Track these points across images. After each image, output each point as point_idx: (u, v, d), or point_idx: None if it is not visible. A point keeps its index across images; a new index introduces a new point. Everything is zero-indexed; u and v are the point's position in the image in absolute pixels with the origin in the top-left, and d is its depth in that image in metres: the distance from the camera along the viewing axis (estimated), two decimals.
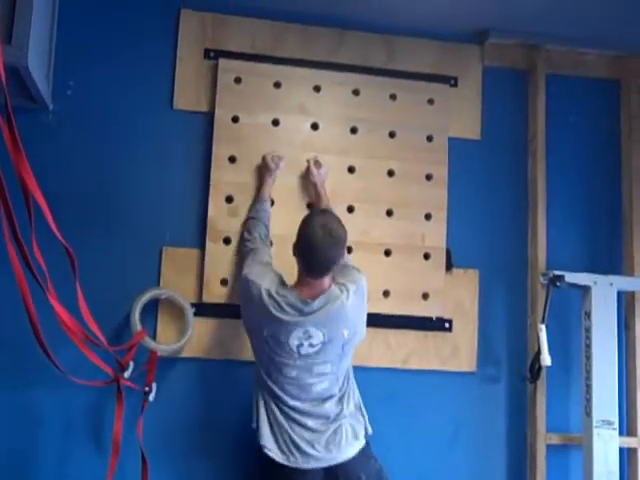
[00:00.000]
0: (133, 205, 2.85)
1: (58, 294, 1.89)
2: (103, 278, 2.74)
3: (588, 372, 2.94)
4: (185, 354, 2.78)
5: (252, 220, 2.78)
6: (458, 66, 3.17)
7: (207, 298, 2.81)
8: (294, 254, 2.43)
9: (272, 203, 2.87)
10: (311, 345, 2.39)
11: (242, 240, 2.79)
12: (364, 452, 2.49)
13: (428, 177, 3.06)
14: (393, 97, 3.07)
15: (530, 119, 3.20)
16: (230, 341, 2.81)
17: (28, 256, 1.72)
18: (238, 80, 2.95)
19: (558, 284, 2.97)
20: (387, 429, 2.76)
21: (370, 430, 2.55)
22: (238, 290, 2.70)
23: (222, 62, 2.94)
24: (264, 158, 2.88)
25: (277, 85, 2.99)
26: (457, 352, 3.01)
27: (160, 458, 2.68)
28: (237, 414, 2.75)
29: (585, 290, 3.00)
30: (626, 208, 3.21)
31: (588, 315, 2.97)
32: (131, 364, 2.54)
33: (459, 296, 3.05)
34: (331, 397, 2.48)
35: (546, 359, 2.88)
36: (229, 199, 2.88)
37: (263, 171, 2.88)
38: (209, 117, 2.93)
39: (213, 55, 2.96)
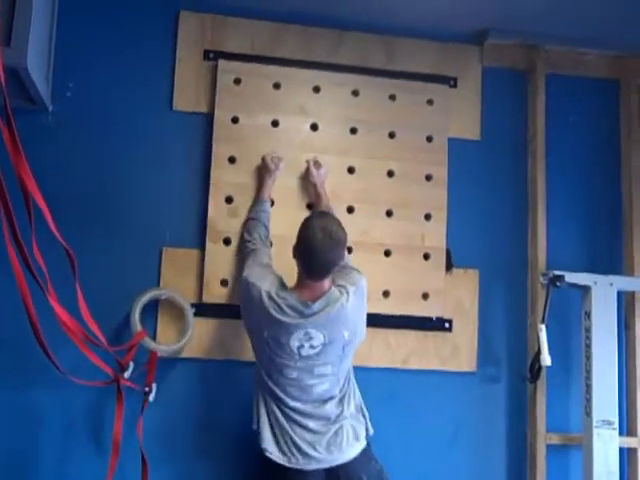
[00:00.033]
0: (133, 206, 2.86)
1: (58, 295, 1.90)
2: (103, 278, 2.74)
3: (588, 372, 2.94)
4: (185, 354, 2.78)
5: (252, 221, 2.78)
6: (458, 66, 3.18)
7: (207, 298, 2.82)
8: (294, 256, 2.43)
9: (272, 204, 2.87)
10: (312, 347, 2.40)
11: (242, 241, 2.79)
12: (365, 453, 2.49)
13: (428, 177, 3.06)
14: (392, 98, 3.08)
15: (530, 119, 3.21)
16: (230, 341, 2.81)
17: (28, 257, 1.72)
18: (237, 81, 2.95)
19: (558, 284, 2.97)
20: (387, 429, 2.76)
21: (371, 431, 2.55)
22: (238, 290, 2.72)
23: (221, 63, 2.94)
24: (264, 159, 2.88)
25: (276, 86, 2.99)
26: (457, 352, 3.01)
27: (160, 459, 2.69)
28: (237, 414, 2.75)
29: (585, 290, 3.01)
30: (626, 208, 3.21)
31: (588, 315, 2.97)
32: (131, 364, 2.54)
33: (459, 296, 3.05)
34: (332, 398, 2.48)
35: (546, 359, 2.88)
36: (229, 199, 2.88)
37: (263, 172, 2.89)
38: (209, 118, 2.93)
39: (212, 56, 2.96)
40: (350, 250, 2.86)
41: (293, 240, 2.42)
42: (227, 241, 2.86)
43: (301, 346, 2.39)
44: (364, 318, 2.54)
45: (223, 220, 2.87)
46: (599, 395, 2.91)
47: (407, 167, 3.04)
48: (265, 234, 2.75)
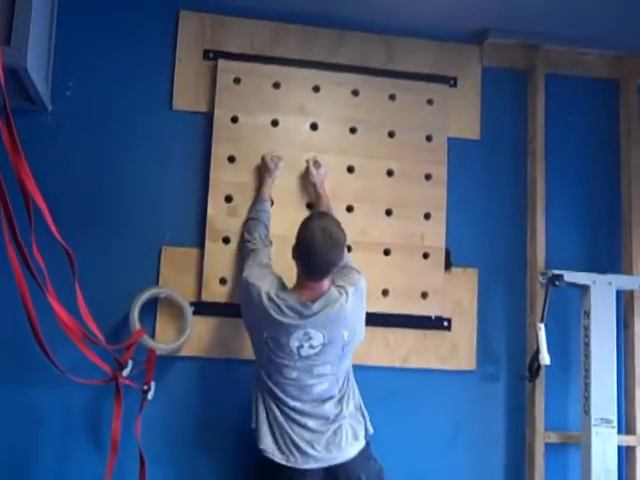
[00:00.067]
0: (133, 205, 2.86)
1: (57, 294, 1.90)
2: (103, 277, 2.75)
3: (587, 371, 2.94)
4: (184, 353, 2.79)
5: (252, 221, 2.79)
6: (457, 66, 3.18)
7: (206, 297, 2.82)
8: (293, 257, 2.43)
9: (271, 203, 2.87)
10: (311, 347, 2.40)
11: (242, 241, 2.80)
12: (364, 453, 2.49)
13: (427, 177, 3.06)
14: (392, 97, 3.08)
15: (529, 119, 3.21)
16: (229, 340, 2.82)
17: (27, 257, 1.73)
18: (237, 80, 2.95)
19: (557, 283, 2.97)
20: (386, 428, 2.76)
21: (371, 430, 2.56)
22: (238, 289, 2.73)
23: (221, 63, 2.95)
24: (263, 158, 2.89)
25: (276, 85, 3.00)
26: (456, 351, 3.02)
27: (159, 457, 2.70)
28: (236, 413, 2.76)
29: (584, 289, 3.01)
30: (625, 207, 3.22)
31: (587, 314, 2.98)
32: (130, 363, 2.55)
33: (458, 295, 3.06)
34: (331, 398, 2.48)
35: (545, 358, 2.88)
36: (228, 199, 2.89)
37: (262, 171, 2.89)
38: (208, 117, 2.94)
39: (212, 56, 2.96)
40: (350, 249, 2.86)
41: (293, 240, 2.42)
42: (226, 240, 2.86)
43: (301, 346, 2.39)
44: (363, 318, 2.55)
45: (222, 219, 2.87)
46: (598, 394, 2.91)
47: (407, 166, 3.05)
48: (265, 234, 2.75)
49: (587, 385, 2.93)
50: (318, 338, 2.39)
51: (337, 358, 2.45)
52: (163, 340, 2.75)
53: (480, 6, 2.97)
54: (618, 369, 2.99)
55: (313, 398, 2.46)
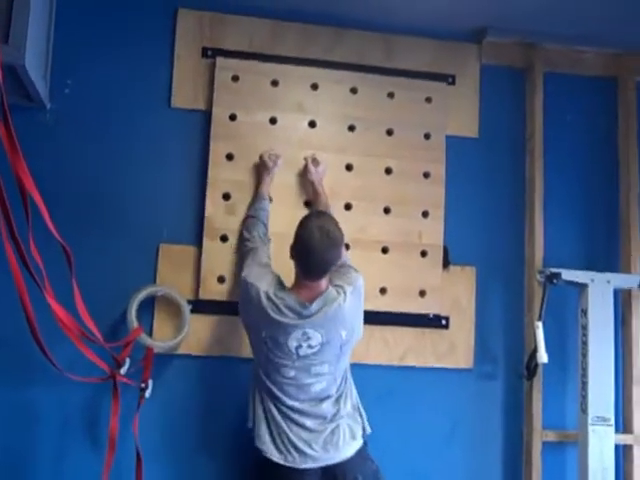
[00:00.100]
0: (130, 202, 2.86)
1: (55, 291, 1.90)
2: (100, 275, 2.74)
3: (584, 369, 2.95)
4: (181, 351, 2.79)
5: (251, 219, 2.78)
6: (456, 64, 3.18)
7: (204, 295, 2.82)
8: (291, 257, 2.43)
9: (270, 201, 2.87)
10: (310, 346, 2.40)
11: (241, 239, 2.79)
12: (361, 454, 2.49)
13: (425, 175, 3.06)
14: (391, 95, 3.08)
15: (528, 117, 3.21)
16: (226, 338, 2.82)
17: (25, 254, 1.73)
18: (235, 78, 2.95)
19: (555, 281, 2.98)
20: (384, 426, 2.76)
21: (369, 430, 2.56)
22: (235, 287, 2.74)
23: (219, 60, 2.95)
24: (261, 157, 2.88)
25: (274, 83, 2.99)
26: (454, 349, 3.02)
27: (156, 455, 2.70)
28: (234, 411, 2.75)
29: (582, 287, 3.02)
30: (623, 206, 3.22)
31: (585, 312, 2.98)
32: (127, 361, 2.55)
33: (456, 293, 3.06)
34: (328, 397, 2.48)
35: (542, 356, 2.89)
36: (226, 196, 2.89)
37: (261, 170, 2.89)
38: (207, 115, 2.93)
39: (210, 54, 2.96)
40: (348, 247, 2.86)
41: (291, 238, 2.42)
42: (224, 238, 2.86)
43: (299, 346, 2.40)
44: (361, 317, 2.55)
45: (220, 217, 2.87)
46: (595, 392, 2.92)
47: (405, 165, 3.05)
48: (264, 232, 2.75)
49: (584, 384, 2.94)
50: (316, 338, 2.39)
51: (335, 357, 2.46)
52: (161, 338, 2.75)
53: (479, 4, 2.97)
54: (616, 368, 3.00)
55: (311, 397, 2.46)
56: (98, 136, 2.87)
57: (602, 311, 2.98)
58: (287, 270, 2.50)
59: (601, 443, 2.89)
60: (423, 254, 3.02)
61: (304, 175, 2.94)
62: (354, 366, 2.64)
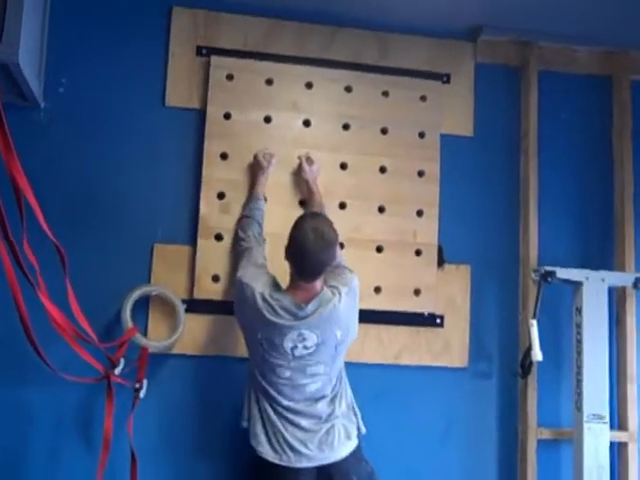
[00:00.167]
0: (125, 202, 2.85)
1: (49, 291, 1.90)
2: (94, 275, 2.74)
3: (579, 367, 2.95)
4: (176, 350, 2.78)
5: (246, 219, 2.78)
6: (451, 63, 3.18)
7: (198, 294, 2.82)
8: (286, 258, 2.43)
9: (265, 201, 2.87)
10: (305, 347, 2.40)
11: (236, 239, 2.79)
12: (355, 455, 2.50)
13: (420, 174, 3.06)
14: (385, 94, 3.08)
15: (522, 116, 3.21)
16: (221, 337, 2.82)
17: (19, 254, 1.72)
18: (230, 77, 2.95)
19: (549, 280, 2.98)
20: (379, 425, 2.76)
21: (363, 430, 2.56)
22: (230, 287, 2.73)
23: (214, 59, 2.94)
24: (256, 156, 2.88)
25: (269, 82, 2.99)
26: (449, 348, 3.02)
27: (151, 455, 2.69)
28: (229, 411, 2.75)
29: (576, 286, 3.02)
30: (618, 204, 3.22)
31: (579, 311, 2.99)
32: (122, 361, 2.55)
33: (451, 292, 3.06)
34: (323, 397, 2.49)
35: (537, 354, 2.89)
36: (221, 196, 2.88)
37: (255, 169, 2.88)
38: (201, 114, 2.93)
39: (205, 52, 2.95)
40: (342, 246, 2.86)
41: (285, 238, 2.42)
42: (219, 237, 2.86)
43: (295, 347, 2.40)
44: (356, 317, 2.55)
45: (215, 216, 2.86)
46: (590, 390, 2.92)
47: (399, 163, 3.05)
48: (259, 232, 2.74)
49: (579, 381, 2.94)
50: (312, 339, 2.39)
51: (330, 358, 2.46)
52: (155, 338, 2.74)
53: (473, 3, 2.98)
54: (610, 365, 3.01)
55: (306, 397, 2.46)
56: (92, 135, 2.86)
57: (597, 309, 2.98)
58: (282, 271, 2.49)
59: (596, 441, 2.89)
60: (418, 253, 3.02)
61: (298, 174, 2.93)
62: (349, 365, 2.64)
